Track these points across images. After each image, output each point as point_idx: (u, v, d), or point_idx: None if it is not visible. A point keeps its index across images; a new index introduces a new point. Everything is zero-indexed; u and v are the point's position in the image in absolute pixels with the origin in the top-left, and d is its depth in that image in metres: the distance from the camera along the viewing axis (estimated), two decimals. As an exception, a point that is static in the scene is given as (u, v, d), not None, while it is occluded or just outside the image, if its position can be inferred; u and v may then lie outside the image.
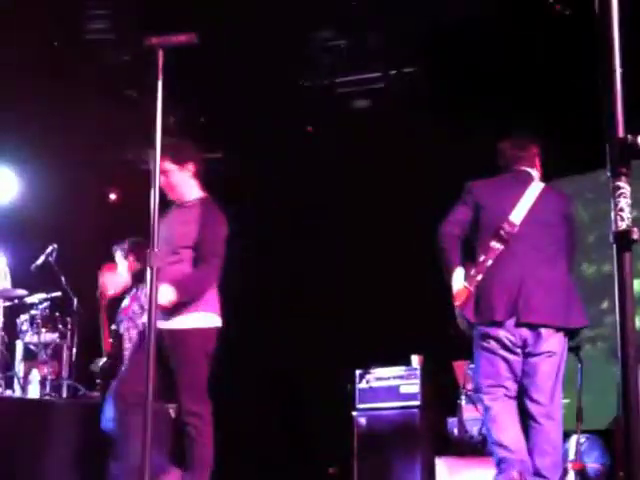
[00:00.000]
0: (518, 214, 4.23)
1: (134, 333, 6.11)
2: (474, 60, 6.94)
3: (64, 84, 7.28)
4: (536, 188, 4.34)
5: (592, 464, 5.96)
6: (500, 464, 4.16)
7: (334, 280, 7.91)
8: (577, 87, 6.06)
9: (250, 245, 7.92)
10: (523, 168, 4.42)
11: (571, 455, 5.98)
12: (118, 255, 6.37)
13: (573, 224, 4.48)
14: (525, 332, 4.16)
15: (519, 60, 6.70)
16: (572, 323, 4.24)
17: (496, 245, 4.20)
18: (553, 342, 4.20)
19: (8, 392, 6.15)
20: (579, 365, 6.14)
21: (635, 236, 2.08)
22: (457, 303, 4.24)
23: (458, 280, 4.23)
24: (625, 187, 2.06)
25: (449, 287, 4.26)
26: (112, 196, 8.34)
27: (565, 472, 5.92)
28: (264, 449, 7.91)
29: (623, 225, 2.08)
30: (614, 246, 2.12)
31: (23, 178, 7.14)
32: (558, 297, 4.20)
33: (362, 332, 7.50)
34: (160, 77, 3.24)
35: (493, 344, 4.20)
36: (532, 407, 4.22)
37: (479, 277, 4.18)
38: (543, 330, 4.16)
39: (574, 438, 5.99)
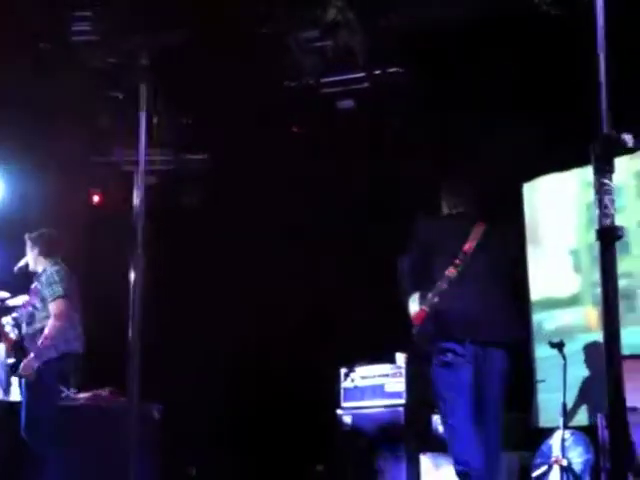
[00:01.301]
0: (468, 247, 4.89)
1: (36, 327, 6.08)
2: (459, 59, 6.96)
3: (49, 85, 7.27)
4: (480, 227, 4.98)
5: (577, 459, 6.00)
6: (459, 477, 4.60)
7: (318, 277, 7.93)
8: (564, 85, 6.12)
9: (237, 245, 7.96)
10: (463, 210, 5.10)
11: (555, 451, 6.02)
12: (28, 245, 6.38)
13: (514, 259, 5.32)
14: (477, 349, 4.74)
15: (506, 58, 6.72)
16: (513, 335, 4.91)
17: (450, 273, 4.82)
18: (499, 357, 4.82)
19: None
20: (563, 362, 6.19)
21: (620, 232, 2.11)
22: (416, 323, 4.83)
23: (414, 303, 4.88)
24: (610, 184, 2.09)
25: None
26: (95, 198, 8.32)
27: (550, 468, 5.97)
28: (250, 448, 7.92)
29: (607, 222, 2.11)
30: (598, 243, 2.15)
31: (8, 180, 7.11)
32: (501, 317, 4.85)
33: (346, 330, 7.52)
34: (144, 78, 3.25)
35: (451, 357, 4.72)
36: (481, 416, 4.72)
37: (435, 299, 4.79)
38: (491, 347, 4.78)
39: (558, 434, 6.03)
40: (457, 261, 4.83)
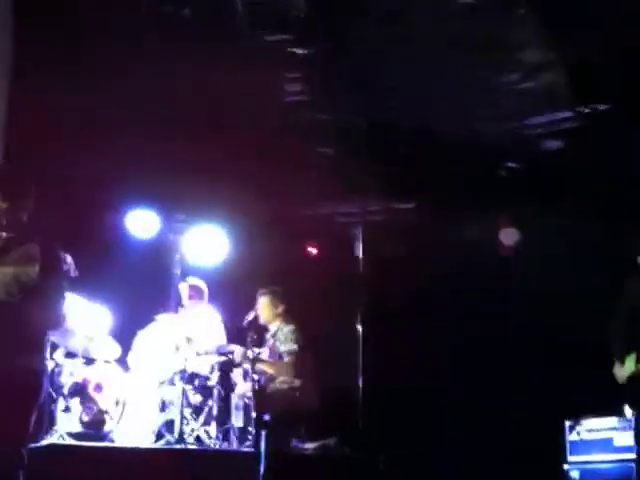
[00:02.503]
0: None
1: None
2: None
3: (261, 144, 7.64)
4: None
5: None
6: None
7: (540, 328, 7.76)
8: None
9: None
10: None
11: None
12: (261, 300, 6.79)
13: None
14: None
15: None
16: None
17: None
18: None
19: (225, 444, 6.45)
20: None
21: None
22: None
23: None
24: None
25: None
26: (312, 250, 8.59)
27: None
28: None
29: None
30: None
31: (231, 237, 7.48)
32: None
33: (570, 380, 7.29)
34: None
35: None
36: None
37: None
38: None
39: None
40: None
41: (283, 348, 6.48)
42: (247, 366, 6.55)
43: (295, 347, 6.45)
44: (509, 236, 8.46)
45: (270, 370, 6.62)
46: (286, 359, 6.45)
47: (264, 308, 6.75)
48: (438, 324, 7.92)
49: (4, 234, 4.16)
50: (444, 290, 8.00)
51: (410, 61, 7.14)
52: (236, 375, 6.73)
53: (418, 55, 7.07)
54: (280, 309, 6.79)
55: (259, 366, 6.58)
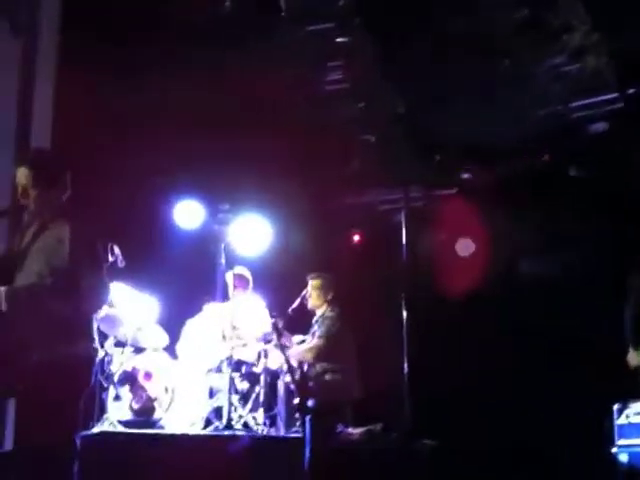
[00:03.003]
0: None
1: None
2: None
3: (305, 133, 7.68)
4: None
5: None
6: None
7: (592, 313, 7.70)
8: None
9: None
10: None
11: None
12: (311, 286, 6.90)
13: None
14: None
15: None
16: None
17: None
18: None
19: (272, 430, 6.53)
20: None
21: None
22: None
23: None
24: None
25: None
26: (356, 238, 8.64)
27: None
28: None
29: None
30: None
31: (275, 226, 7.54)
32: None
33: (618, 364, 7.24)
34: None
35: None
36: None
37: None
38: None
39: None
40: None
41: (324, 332, 6.55)
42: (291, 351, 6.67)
43: (334, 331, 6.51)
44: (465, 247, 8.49)
45: (308, 355, 6.70)
46: (325, 343, 6.51)
47: (313, 293, 6.86)
48: (483, 309, 7.91)
49: (35, 218, 4.19)
50: (489, 274, 7.99)
51: (453, 47, 7.15)
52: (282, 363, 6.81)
53: (459, 42, 7.08)
54: (329, 295, 6.90)
55: (299, 351, 6.67)
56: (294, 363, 6.64)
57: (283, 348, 6.36)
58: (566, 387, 7.54)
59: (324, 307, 6.85)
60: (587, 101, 7.89)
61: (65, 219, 4.13)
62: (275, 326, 6.29)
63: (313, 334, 6.76)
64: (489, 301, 7.92)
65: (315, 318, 6.89)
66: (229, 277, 6.87)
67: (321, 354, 6.61)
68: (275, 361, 6.64)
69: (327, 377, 6.64)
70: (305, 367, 6.58)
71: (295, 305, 6.80)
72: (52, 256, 4.04)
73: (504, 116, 7.65)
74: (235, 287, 6.95)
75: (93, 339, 4.30)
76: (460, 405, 7.69)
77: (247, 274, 7.12)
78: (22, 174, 4.20)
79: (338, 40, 7.29)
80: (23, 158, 4.38)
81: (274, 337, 6.42)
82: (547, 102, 7.90)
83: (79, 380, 4.03)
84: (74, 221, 4.12)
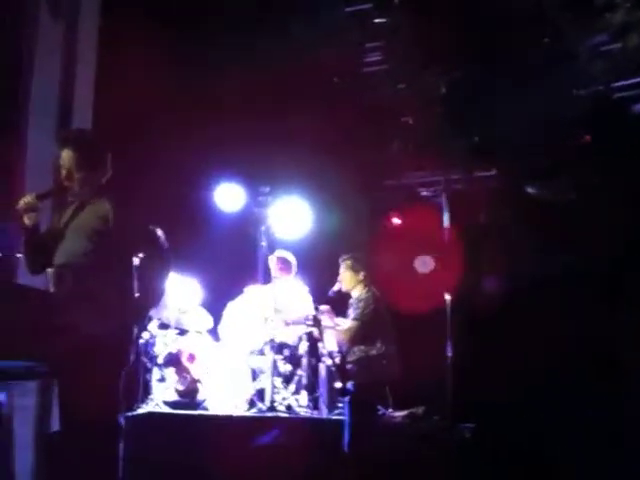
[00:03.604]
0: None
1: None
2: None
3: (339, 116, 7.65)
4: None
5: None
6: None
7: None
8: None
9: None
10: None
11: None
12: (343, 267, 6.79)
13: None
14: None
15: None
16: None
17: None
18: None
19: (315, 413, 6.55)
20: None
21: None
22: None
23: None
24: None
25: None
26: (395, 220, 8.60)
27: None
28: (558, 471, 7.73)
29: None
30: None
31: (315, 209, 7.53)
32: None
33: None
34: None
35: None
36: None
37: None
38: None
39: None
40: None
41: (359, 315, 6.53)
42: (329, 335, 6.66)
43: (368, 312, 6.49)
44: (424, 264, 8.44)
45: (344, 337, 6.67)
46: (360, 325, 6.50)
47: (345, 274, 6.79)
48: (527, 291, 7.84)
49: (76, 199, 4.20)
50: (531, 257, 7.91)
51: (493, 26, 7.07)
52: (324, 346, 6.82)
53: (499, 21, 7.00)
54: (361, 275, 6.79)
55: (336, 334, 6.66)
56: (334, 346, 6.65)
57: (322, 335, 6.39)
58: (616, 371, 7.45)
59: (359, 288, 6.77)
60: (630, 81, 7.79)
61: (105, 198, 4.14)
62: (316, 320, 6.32)
63: (349, 317, 6.75)
64: (533, 281, 7.84)
65: (350, 300, 6.85)
66: (271, 260, 6.88)
67: (357, 336, 6.56)
68: (317, 344, 6.65)
69: (364, 359, 6.60)
70: (344, 350, 6.56)
71: (336, 288, 6.77)
72: (94, 234, 4.05)
73: (544, 98, 7.57)
74: (279, 270, 6.96)
75: (141, 319, 4.31)
76: (502, 387, 7.63)
77: (290, 257, 7.12)
78: (67, 156, 4.20)
79: (377, 21, 7.26)
80: (66, 139, 4.35)
81: (316, 328, 6.47)
82: (589, 82, 7.81)
83: (122, 360, 4.03)
84: (122, 204, 4.13)
